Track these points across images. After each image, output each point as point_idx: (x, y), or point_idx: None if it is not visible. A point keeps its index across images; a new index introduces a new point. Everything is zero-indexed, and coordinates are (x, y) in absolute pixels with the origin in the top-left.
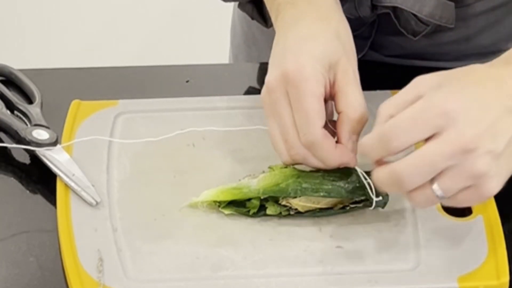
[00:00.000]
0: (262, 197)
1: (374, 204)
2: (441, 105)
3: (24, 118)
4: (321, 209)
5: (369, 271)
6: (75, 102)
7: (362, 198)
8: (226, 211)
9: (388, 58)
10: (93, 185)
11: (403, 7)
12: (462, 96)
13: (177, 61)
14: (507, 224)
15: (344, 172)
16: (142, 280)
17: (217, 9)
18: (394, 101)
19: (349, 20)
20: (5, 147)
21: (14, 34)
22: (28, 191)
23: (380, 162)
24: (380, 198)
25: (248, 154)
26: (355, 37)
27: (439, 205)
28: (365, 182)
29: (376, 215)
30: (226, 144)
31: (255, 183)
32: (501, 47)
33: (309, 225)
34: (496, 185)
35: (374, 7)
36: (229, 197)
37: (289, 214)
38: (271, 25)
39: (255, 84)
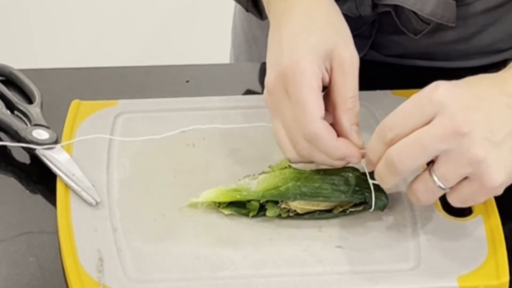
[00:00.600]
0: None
1: (373, 207)
2: (437, 96)
3: (24, 118)
4: (320, 211)
5: (369, 271)
6: (75, 102)
7: (362, 201)
8: (226, 212)
9: (388, 57)
10: (93, 185)
11: (404, 5)
12: (458, 89)
13: (177, 61)
14: (507, 224)
15: (344, 175)
16: (142, 280)
17: (218, 9)
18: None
19: (350, 19)
20: (5, 148)
21: (14, 34)
22: (28, 191)
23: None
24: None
25: (248, 154)
26: (356, 37)
27: (439, 205)
28: (370, 181)
29: (376, 215)
30: (226, 144)
31: (254, 185)
32: (501, 47)
33: (309, 225)
34: (497, 175)
35: (375, 5)
36: (228, 199)
37: (288, 216)
38: (266, 17)
39: (255, 84)
